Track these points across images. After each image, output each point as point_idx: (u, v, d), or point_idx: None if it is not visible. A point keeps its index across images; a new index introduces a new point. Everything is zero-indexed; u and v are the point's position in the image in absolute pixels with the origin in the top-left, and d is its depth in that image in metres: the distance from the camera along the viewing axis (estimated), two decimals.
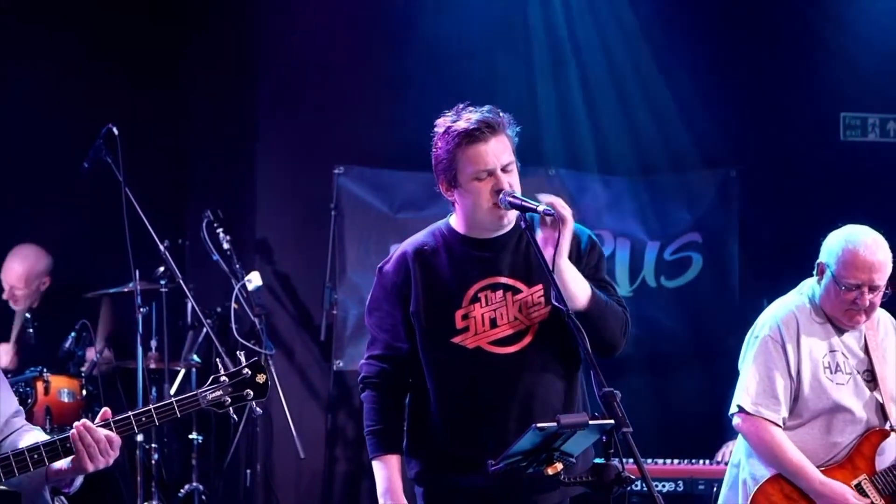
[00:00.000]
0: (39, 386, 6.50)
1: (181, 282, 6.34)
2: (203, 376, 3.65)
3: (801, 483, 4.48)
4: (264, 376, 3.59)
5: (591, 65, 7.68)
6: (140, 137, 6.76)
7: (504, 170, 3.71)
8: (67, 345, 6.84)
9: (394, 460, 3.85)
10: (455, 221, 3.88)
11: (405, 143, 6.88)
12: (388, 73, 7.49)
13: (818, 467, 4.50)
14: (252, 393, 3.58)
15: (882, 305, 4.54)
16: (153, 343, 6.84)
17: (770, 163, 7.66)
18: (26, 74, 7.20)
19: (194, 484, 6.87)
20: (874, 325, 4.59)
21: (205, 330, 6.57)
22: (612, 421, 3.26)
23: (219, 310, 7.06)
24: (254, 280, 6.85)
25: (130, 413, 3.49)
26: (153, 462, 6.58)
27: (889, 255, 4.47)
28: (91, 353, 6.91)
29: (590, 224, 7.51)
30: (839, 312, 4.50)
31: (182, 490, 6.88)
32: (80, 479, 3.60)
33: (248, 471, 7.20)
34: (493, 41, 7.59)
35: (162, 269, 6.61)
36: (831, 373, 4.52)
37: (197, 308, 6.49)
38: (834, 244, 4.50)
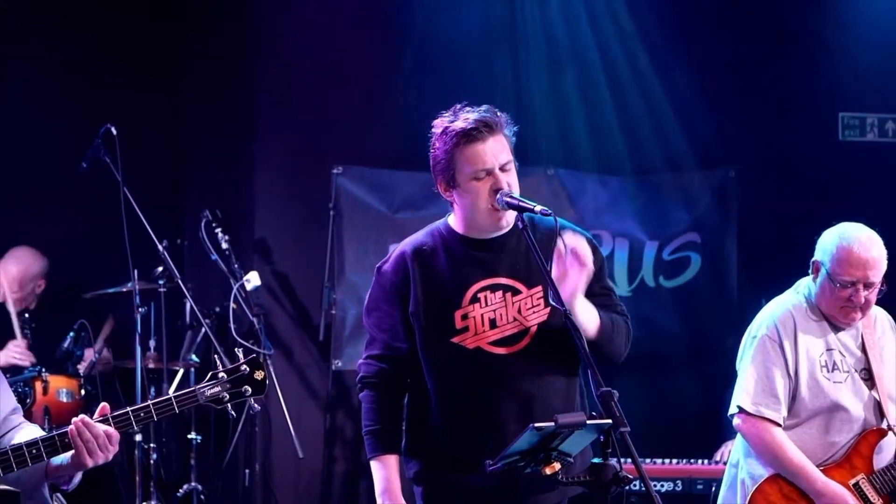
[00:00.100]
0: (38, 386, 6.50)
1: (180, 282, 6.35)
2: (202, 376, 3.65)
3: (801, 483, 4.48)
4: (262, 373, 3.59)
5: (590, 64, 7.68)
6: (139, 137, 6.77)
7: (502, 169, 3.71)
8: (66, 345, 6.84)
9: (392, 460, 3.85)
10: (454, 221, 3.88)
11: (404, 143, 6.90)
12: (387, 73, 7.50)
13: (816, 466, 4.50)
14: (250, 389, 3.58)
15: (878, 303, 4.54)
16: (152, 343, 6.84)
17: (768, 163, 7.67)
18: (26, 74, 7.20)
19: (193, 484, 6.88)
20: (871, 324, 4.59)
21: (203, 330, 6.57)
22: (609, 420, 3.27)
23: (217, 310, 7.06)
24: (252, 280, 6.86)
25: (129, 409, 3.50)
26: (152, 462, 6.58)
27: (883, 251, 4.47)
28: (90, 353, 6.91)
29: (588, 224, 7.58)
30: (835, 310, 4.50)
31: (181, 490, 6.88)
32: (78, 477, 3.60)
33: (247, 470, 7.20)
34: (492, 41, 7.59)
35: (160, 268, 6.61)
36: (828, 371, 4.52)
37: (195, 308, 6.49)
38: (828, 241, 4.50)
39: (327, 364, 7.44)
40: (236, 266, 6.91)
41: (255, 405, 6.65)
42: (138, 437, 6.49)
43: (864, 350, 4.56)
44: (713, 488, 5.91)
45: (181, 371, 6.96)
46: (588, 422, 3.28)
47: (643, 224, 7.73)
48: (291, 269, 7.54)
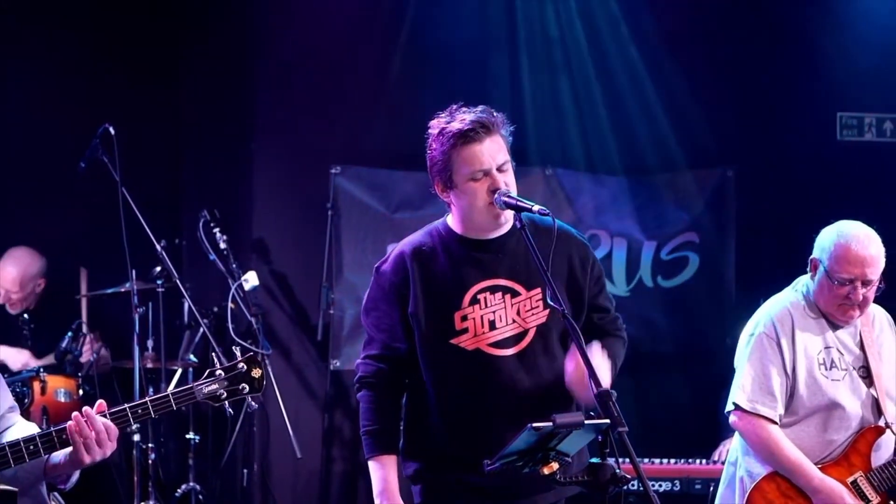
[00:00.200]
0: (36, 386, 6.51)
1: (178, 281, 6.34)
2: (200, 376, 3.65)
3: (797, 480, 4.48)
4: (259, 370, 3.59)
5: (588, 64, 7.68)
6: (138, 137, 6.77)
7: (499, 169, 3.71)
8: (64, 344, 6.83)
9: (390, 461, 3.85)
10: (452, 222, 3.88)
11: (402, 143, 6.88)
12: (385, 73, 7.51)
13: (814, 464, 4.50)
14: (247, 387, 3.58)
15: (876, 301, 4.55)
16: (150, 343, 6.84)
17: (767, 162, 7.67)
18: (26, 74, 7.20)
19: (191, 484, 6.88)
20: (869, 321, 4.60)
21: (201, 330, 6.57)
22: (607, 420, 3.26)
23: (215, 309, 7.06)
24: (250, 280, 6.85)
25: (126, 405, 3.49)
26: (150, 462, 6.58)
27: (881, 249, 4.48)
28: (88, 353, 6.91)
29: (586, 224, 7.59)
30: (833, 308, 4.51)
31: (179, 490, 6.88)
32: (75, 476, 3.60)
33: (245, 470, 7.20)
34: (490, 41, 7.60)
35: (158, 268, 6.60)
36: (826, 369, 4.52)
37: (193, 308, 6.49)
38: (826, 239, 4.51)
39: (325, 364, 7.44)
40: (234, 266, 6.91)
41: (253, 403, 6.65)
42: (136, 437, 6.48)
43: (862, 348, 4.56)
44: (711, 488, 5.92)
45: (179, 371, 6.96)
46: (586, 422, 3.28)
47: (641, 224, 7.73)
48: (290, 269, 7.54)
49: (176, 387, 6.66)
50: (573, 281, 3.86)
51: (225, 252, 6.94)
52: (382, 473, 3.83)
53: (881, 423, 4.55)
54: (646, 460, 6.38)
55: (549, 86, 7.68)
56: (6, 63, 7.25)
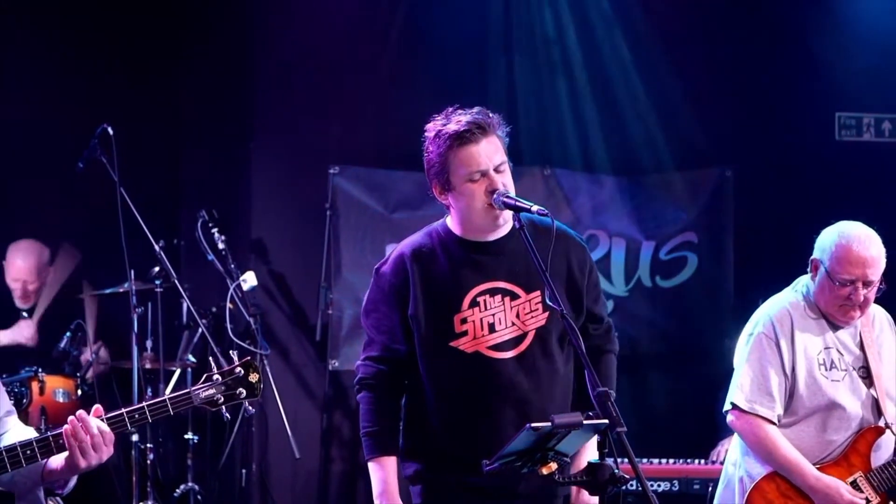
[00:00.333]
0: (35, 386, 6.50)
1: (176, 282, 6.34)
2: (198, 376, 3.64)
3: (795, 479, 4.48)
4: (257, 375, 3.58)
5: (586, 64, 7.69)
6: (136, 137, 6.77)
7: (497, 170, 3.71)
8: (62, 345, 6.84)
9: (390, 462, 3.85)
10: (451, 223, 3.87)
11: (400, 143, 6.87)
12: (384, 73, 7.51)
13: (814, 465, 4.50)
14: (245, 392, 3.57)
15: (877, 301, 4.55)
16: (148, 343, 6.84)
17: (765, 162, 7.67)
18: (26, 74, 7.20)
19: (190, 484, 6.88)
20: (869, 322, 4.59)
21: (200, 330, 6.57)
22: (606, 420, 3.26)
23: (214, 310, 7.06)
24: (249, 280, 6.86)
25: (123, 410, 3.49)
26: (149, 462, 6.58)
27: (882, 250, 4.47)
28: (86, 354, 6.91)
29: (585, 224, 7.59)
30: (833, 308, 4.50)
31: (177, 490, 6.88)
32: (73, 482, 3.59)
33: (244, 471, 7.20)
34: (488, 42, 7.60)
35: (157, 269, 6.60)
36: (826, 370, 4.52)
37: (192, 308, 6.49)
38: (827, 240, 4.50)
39: (324, 364, 7.44)
40: (233, 266, 6.91)
41: (250, 408, 6.64)
42: (135, 438, 6.48)
43: (862, 348, 4.56)
44: (710, 488, 5.91)
45: (178, 371, 6.96)
46: (585, 422, 3.28)
47: (640, 224, 7.73)
48: (288, 269, 7.54)
49: (174, 388, 6.74)
50: (572, 282, 3.86)
51: (223, 252, 6.94)
52: (382, 475, 3.83)
53: (881, 423, 4.54)
54: (644, 460, 6.38)
55: (548, 86, 7.69)
56: (6, 63, 7.24)
